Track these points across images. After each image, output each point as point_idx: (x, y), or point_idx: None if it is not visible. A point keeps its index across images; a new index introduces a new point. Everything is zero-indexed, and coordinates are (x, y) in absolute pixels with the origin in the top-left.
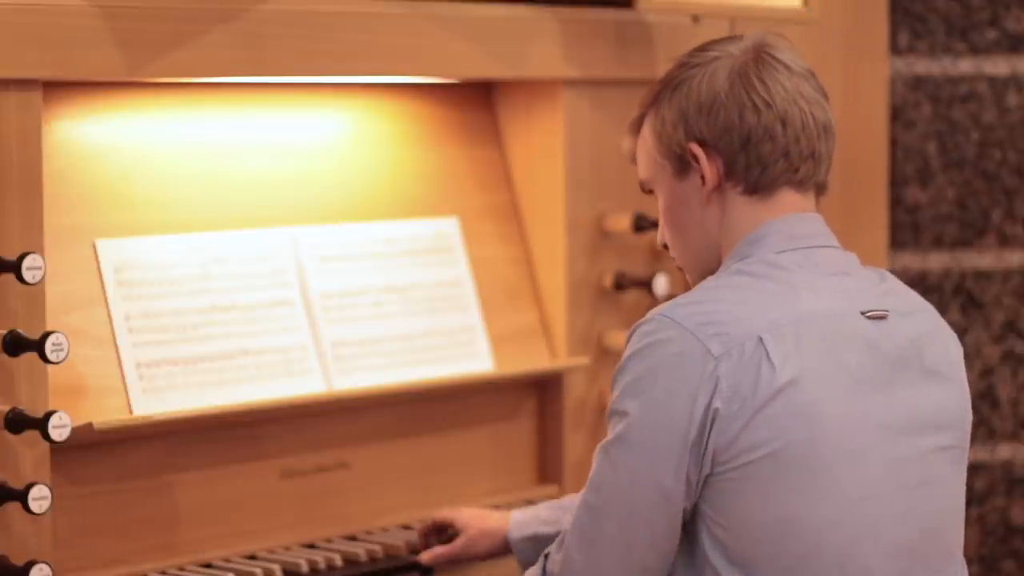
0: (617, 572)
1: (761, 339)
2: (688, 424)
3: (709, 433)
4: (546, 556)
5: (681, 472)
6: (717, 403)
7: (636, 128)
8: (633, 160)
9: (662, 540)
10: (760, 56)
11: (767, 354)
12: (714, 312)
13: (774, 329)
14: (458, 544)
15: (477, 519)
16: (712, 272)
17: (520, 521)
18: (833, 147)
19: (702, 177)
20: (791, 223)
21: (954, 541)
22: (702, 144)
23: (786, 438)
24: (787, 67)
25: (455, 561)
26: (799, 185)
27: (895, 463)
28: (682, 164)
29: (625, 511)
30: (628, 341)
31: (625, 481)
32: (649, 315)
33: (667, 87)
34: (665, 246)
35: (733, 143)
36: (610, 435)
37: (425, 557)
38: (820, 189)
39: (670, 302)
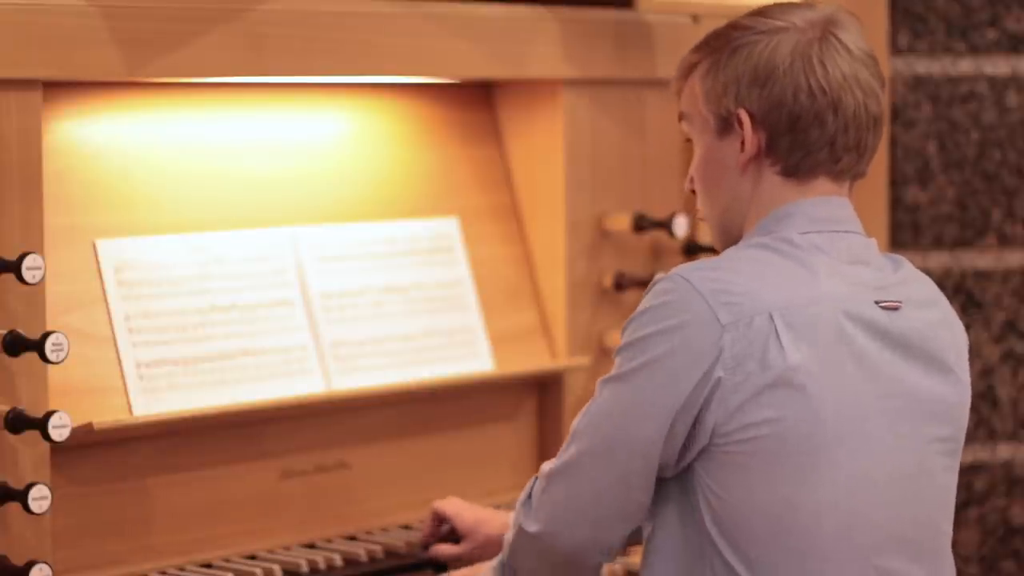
0: (586, 501)
1: (772, 316)
2: (685, 387)
3: (708, 402)
4: (535, 479)
5: (663, 430)
6: (720, 372)
7: (686, 73)
8: (678, 95)
9: (635, 485)
10: (826, 35)
11: (777, 333)
12: (729, 281)
13: (787, 310)
14: (466, 548)
15: (480, 525)
16: (732, 235)
17: None
18: (879, 139)
19: (742, 144)
20: (819, 205)
21: (944, 534)
22: (750, 114)
23: (790, 420)
24: (849, 51)
25: (461, 559)
26: (837, 175)
27: (894, 451)
28: (725, 125)
29: (604, 447)
30: (646, 293)
31: (610, 420)
32: (669, 272)
33: (726, 47)
34: (692, 191)
35: (781, 121)
36: (613, 371)
37: (438, 552)
38: (857, 176)
39: (690, 263)
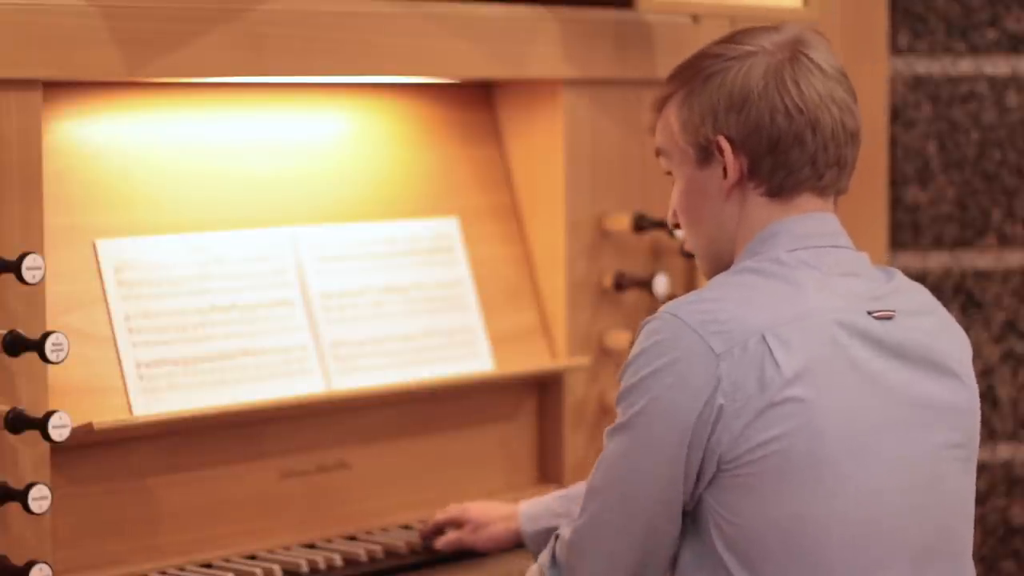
0: (619, 555)
1: (764, 337)
2: (689, 420)
3: (713, 430)
4: (556, 537)
5: (679, 466)
6: (720, 399)
7: (660, 106)
8: (652, 132)
9: (663, 528)
10: (796, 55)
11: (771, 352)
12: (718, 310)
13: (778, 327)
14: (466, 529)
15: (483, 509)
16: (722, 262)
17: (532, 515)
18: (858, 153)
19: (724, 171)
20: (804, 222)
21: (962, 542)
22: (729, 140)
23: (793, 435)
24: (821, 69)
25: (464, 548)
26: (821, 191)
27: (903, 460)
28: (705, 154)
29: (624, 498)
30: (637, 336)
31: (625, 470)
32: (658, 312)
33: (698, 76)
34: (676, 225)
35: (761, 144)
36: (617, 420)
37: (439, 543)
38: (840, 191)
39: (678, 299)
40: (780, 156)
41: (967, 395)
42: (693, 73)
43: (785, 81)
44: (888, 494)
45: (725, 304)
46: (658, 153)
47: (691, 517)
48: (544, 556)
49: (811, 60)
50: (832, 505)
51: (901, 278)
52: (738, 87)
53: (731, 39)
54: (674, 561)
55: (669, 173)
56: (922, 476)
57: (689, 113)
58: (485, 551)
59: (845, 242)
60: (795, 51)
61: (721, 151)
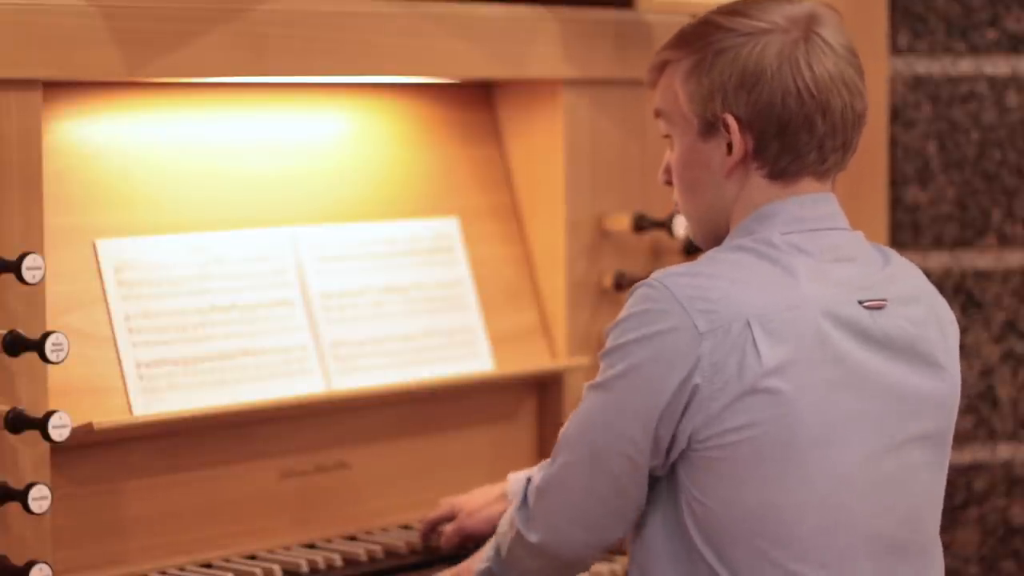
0: (581, 508)
1: (749, 323)
2: (663, 394)
3: (687, 407)
4: (529, 480)
5: (648, 433)
6: (697, 379)
7: (661, 68)
8: (652, 88)
9: (628, 490)
10: (809, 35)
11: (754, 340)
12: (708, 287)
13: (764, 315)
14: (461, 516)
15: (473, 496)
16: (715, 233)
17: (518, 478)
18: (861, 135)
19: (728, 147)
20: (802, 204)
21: (931, 531)
22: (737, 119)
23: (767, 424)
24: (833, 49)
25: (465, 535)
26: (822, 175)
27: (875, 452)
28: (710, 128)
29: (593, 454)
30: (629, 297)
31: (597, 427)
32: (651, 277)
33: (709, 48)
34: (668, 182)
35: (770, 126)
36: (597, 378)
37: (443, 540)
38: (839, 171)
39: (671, 268)
40: (788, 139)
41: (949, 384)
42: (703, 44)
43: (798, 62)
44: (859, 484)
45: (718, 282)
46: (657, 114)
47: (667, 489)
48: (517, 497)
49: (824, 40)
50: (803, 494)
51: (897, 261)
52: (752, 66)
53: (741, 12)
54: (649, 534)
55: (667, 136)
56: (893, 466)
57: (697, 85)
58: (485, 535)
59: (842, 223)
60: (808, 30)
61: (728, 128)
